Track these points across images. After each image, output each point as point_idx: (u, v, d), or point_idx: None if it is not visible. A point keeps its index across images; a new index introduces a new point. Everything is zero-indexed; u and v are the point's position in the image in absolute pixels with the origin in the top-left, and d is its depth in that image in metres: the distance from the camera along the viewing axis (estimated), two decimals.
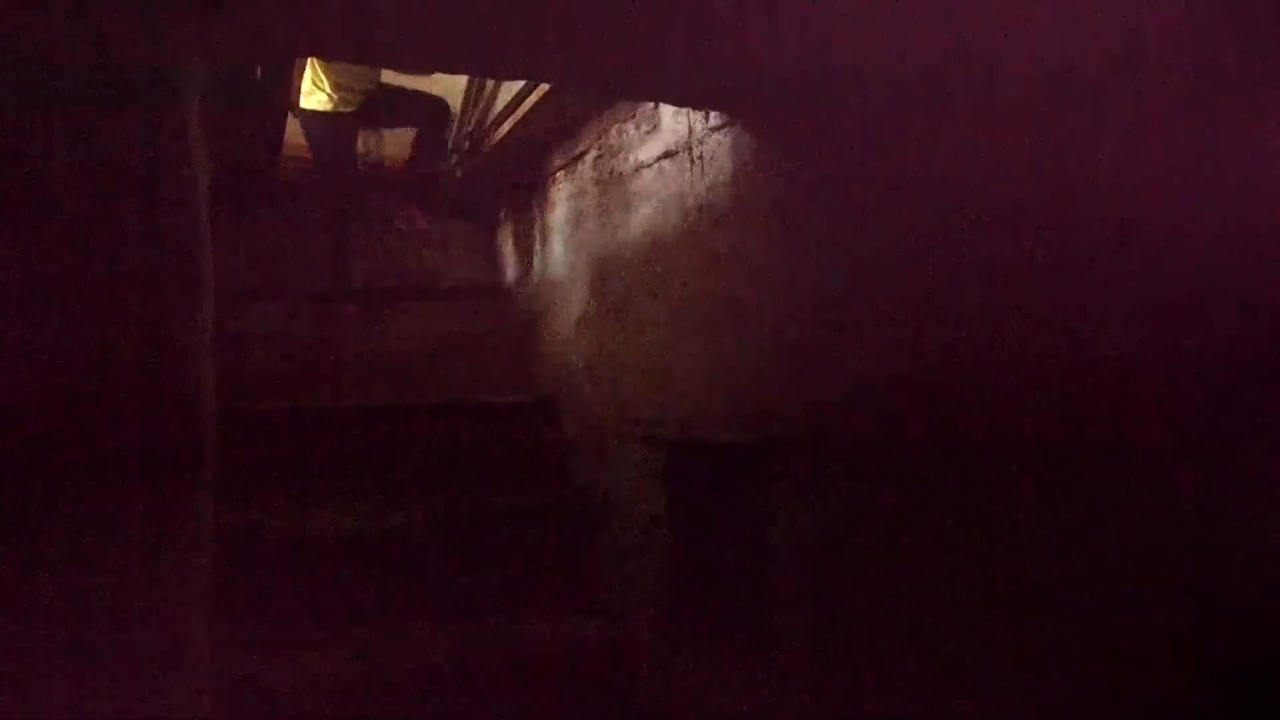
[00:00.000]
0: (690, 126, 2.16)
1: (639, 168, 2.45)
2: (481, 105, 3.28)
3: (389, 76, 2.97)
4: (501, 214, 3.92)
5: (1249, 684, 1.04)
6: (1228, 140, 1.05)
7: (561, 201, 3.12)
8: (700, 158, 2.11)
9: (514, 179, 3.59)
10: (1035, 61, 1.24)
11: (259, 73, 2.15)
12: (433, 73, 2.64)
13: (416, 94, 3.01)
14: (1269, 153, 1.02)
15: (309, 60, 2.79)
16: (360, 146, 3.29)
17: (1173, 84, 1.09)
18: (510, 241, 3.82)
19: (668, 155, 2.28)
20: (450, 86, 3.83)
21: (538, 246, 3.39)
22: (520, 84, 2.79)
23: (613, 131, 2.62)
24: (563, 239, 3.08)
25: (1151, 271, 1.12)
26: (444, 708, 2.15)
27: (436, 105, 3.14)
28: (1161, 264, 1.11)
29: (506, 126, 3.04)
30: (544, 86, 2.62)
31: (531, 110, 2.80)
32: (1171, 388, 1.10)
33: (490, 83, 3.13)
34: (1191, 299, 1.08)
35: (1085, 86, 1.18)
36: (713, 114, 2.05)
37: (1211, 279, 1.06)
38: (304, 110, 2.96)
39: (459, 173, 3.71)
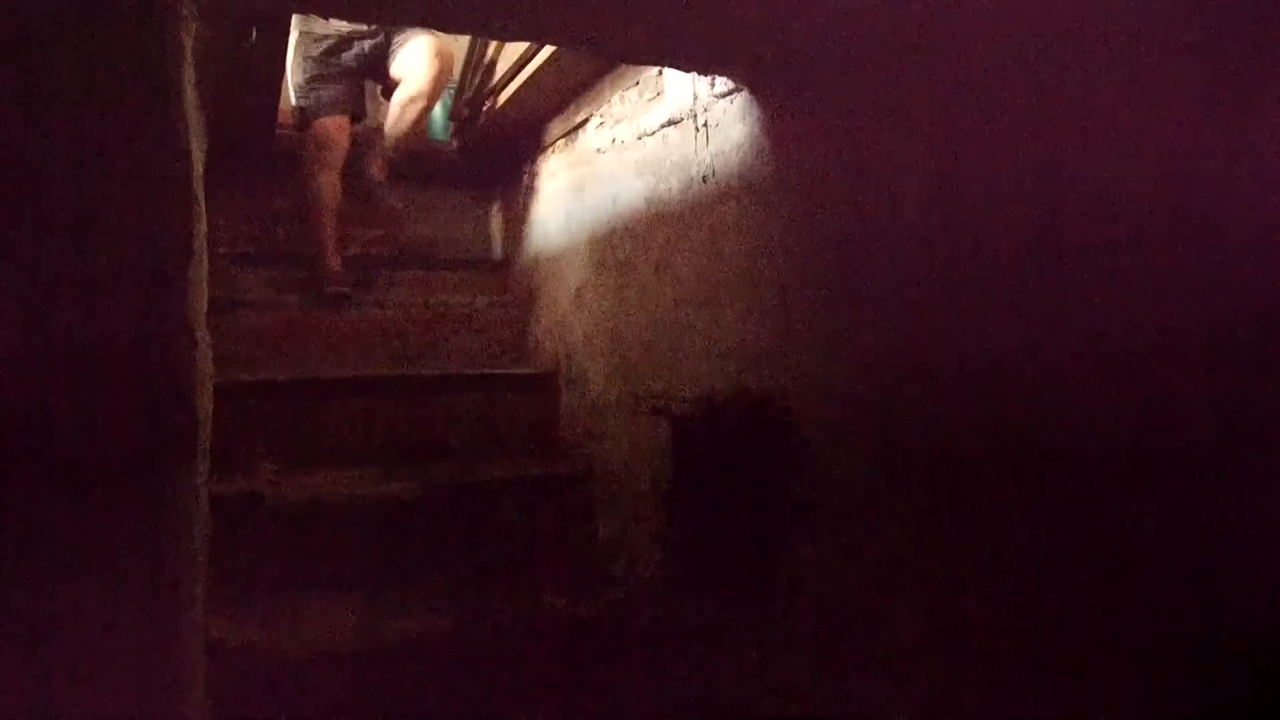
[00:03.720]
0: (695, 93, 2.11)
1: (642, 136, 2.40)
2: (482, 71, 3.22)
3: None
4: (501, 183, 3.88)
5: (1253, 688, 1.02)
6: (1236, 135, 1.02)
7: (562, 170, 3.07)
8: (705, 125, 2.07)
9: (514, 147, 3.55)
10: (1042, 45, 1.20)
11: (254, 34, 2.10)
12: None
13: None
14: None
15: None
16: None
17: (1177, 80, 1.06)
18: (510, 211, 3.77)
19: (672, 123, 2.23)
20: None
21: (538, 216, 3.34)
22: (521, 49, 2.74)
23: (615, 98, 2.58)
24: (564, 209, 3.04)
25: (1155, 267, 1.09)
26: (445, 678, 2.15)
27: None
28: (1165, 260, 1.08)
29: (507, 93, 2.99)
30: (545, 52, 2.57)
31: (532, 76, 2.75)
32: (1177, 386, 1.08)
33: (491, 47, 3.08)
34: (1195, 297, 1.05)
35: (1089, 78, 1.15)
36: (719, 80, 2.00)
37: (1217, 276, 1.04)
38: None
39: (458, 141, 3.66)
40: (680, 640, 2.15)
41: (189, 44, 1.35)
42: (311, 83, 3.19)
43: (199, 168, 1.43)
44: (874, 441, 1.56)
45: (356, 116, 3.30)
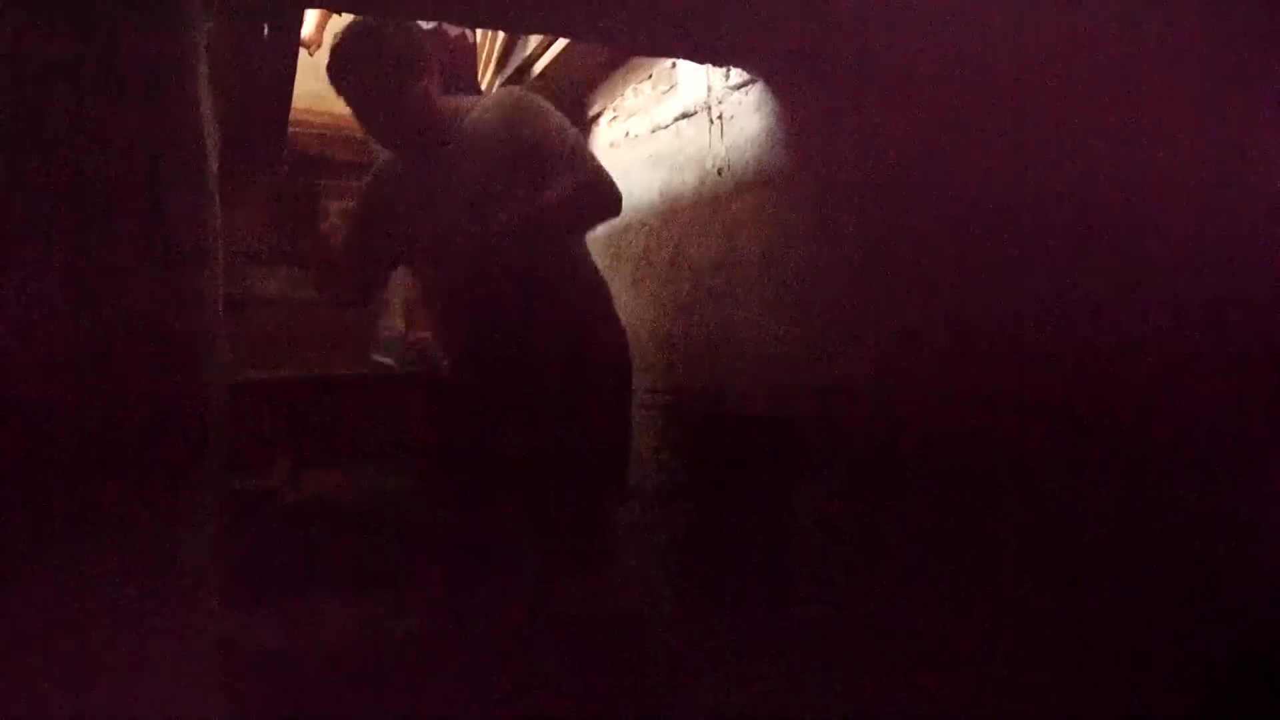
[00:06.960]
0: (709, 85, 2.10)
1: (655, 129, 2.38)
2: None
3: None
4: None
5: (1249, 684, 1.01)
6: (1231, 138, 1.00)
7: None
8: (720, 118, 2.05)
9: None
10: (1048, 50, 1.19)
11: (265, 29, 2.08)
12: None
13: None
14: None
15: None
16: None
17: (1177, 81, 1.04)
18: None
19: (685, 116, 2.21)
20: None
21: None
22: (534, 43, 2.73)
23: (628, 92, 2.56)
24: None
25: (1154, 266, 1.08)
26: (453, 679, 2.14)
27: None
28: (1164, 259, 1.07)
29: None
30: (558, 45, 2.55)
31: (545, 70, 2.74)
32: (1177, 384, 1.06)
33: (502, 41, 3.06)
34: (1194, 296, 1.04)
35: (1092, 81, 1.13)
36: (733, 72, 1.98)
37: (1214, 276, 1.02)
38: None
39: None
40: (692, 641, 2.14)
41: (202, 40, 1.34)
42: None
43: (214, 165, 1.43)
44: (887, 434, 1.54)
45: None
